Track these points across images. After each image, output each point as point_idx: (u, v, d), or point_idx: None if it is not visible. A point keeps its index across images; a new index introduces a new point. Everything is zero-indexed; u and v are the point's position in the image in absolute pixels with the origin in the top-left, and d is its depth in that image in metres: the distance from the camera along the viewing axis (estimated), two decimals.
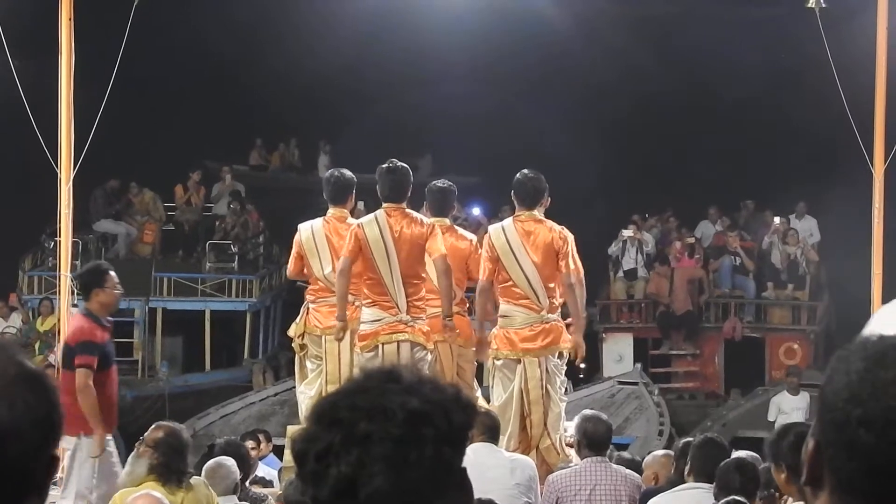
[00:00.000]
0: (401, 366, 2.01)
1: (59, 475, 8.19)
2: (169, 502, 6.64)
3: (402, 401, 1.93)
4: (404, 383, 1.96)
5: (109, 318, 9.50)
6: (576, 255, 10.10)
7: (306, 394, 10.49)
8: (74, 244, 15.73)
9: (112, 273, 9.44)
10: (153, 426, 7.25)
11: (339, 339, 10.08)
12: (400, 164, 10.09)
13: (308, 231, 10.49)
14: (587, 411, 8.40)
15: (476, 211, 25.61)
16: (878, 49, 12.88)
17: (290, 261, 10.77)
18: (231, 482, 7.76)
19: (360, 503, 1.89)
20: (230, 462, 7.99)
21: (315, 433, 1.95)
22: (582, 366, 10.72)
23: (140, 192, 26.56)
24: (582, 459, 8.18)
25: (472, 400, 2.03)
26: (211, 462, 7.99)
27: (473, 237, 10.90)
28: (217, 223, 26.87)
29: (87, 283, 9.40)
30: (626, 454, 11.10)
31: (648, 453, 10.90)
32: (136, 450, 7.12)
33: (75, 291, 14.15)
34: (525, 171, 10.22)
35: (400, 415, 1.92)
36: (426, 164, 28.90)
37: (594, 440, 8.04)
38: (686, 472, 7.82)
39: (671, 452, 9.12)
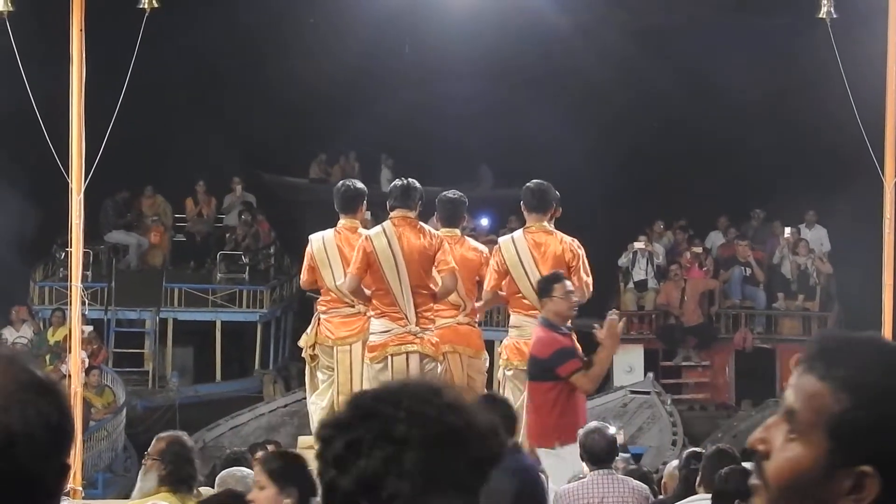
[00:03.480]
0: (442, 383, 2.03)
1: None
2: None
3: (446, 416, 1.94)
4: (450, 401, 1.97)
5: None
6: (587, 268, 10.09)
7: (317, 405, 10.48)
8: (86, 255, 15.78)
9: (564, 283, 9.32)
10: (155, 438, 7.23)
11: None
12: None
13: (319, 242, 10.48)
14: (591, 423, 8.37)
15: (485, 222, 25.62)
16: (889, 58, 12.86)
17: (303, 272, 10.73)
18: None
19: (380, 499, 1.91)
20: (241, 472, 8.00)
21: (348, 421, 1.97)
22: None
23: (154, 195, 26.62)
24: (589, 472, 8.15)
25: (504, 436, 2.04)
26: (223, 472, 8.01)
27: (485, 248, 10.88)
28: (228, 234, 26.92)
29: (539, 292, 9.31)
30: (632, 467, 11.08)
31: (663, 464, 10.88)
32: (143, 466, 7.12)
33: (86, 301, 14.19)
34: (534, 180, 10.23)
35: (441, 427, 1.93)
36: (486, 175, 29.05)
37: (594, 454, 8.00)
38: (697, 483, 7.81)
39: None
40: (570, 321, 9.34)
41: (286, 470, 5.72)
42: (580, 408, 9.34)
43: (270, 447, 12.58)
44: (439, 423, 1.94)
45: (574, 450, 8.45)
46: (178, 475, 6.89)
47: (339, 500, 1.95)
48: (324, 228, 10.61)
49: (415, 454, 1.92)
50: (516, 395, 9.98)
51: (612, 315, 9.64)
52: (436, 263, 9.79)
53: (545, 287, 9.21)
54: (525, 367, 9.93)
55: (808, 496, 1.85)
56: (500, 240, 10.55)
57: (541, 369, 9.08)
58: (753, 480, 1.92)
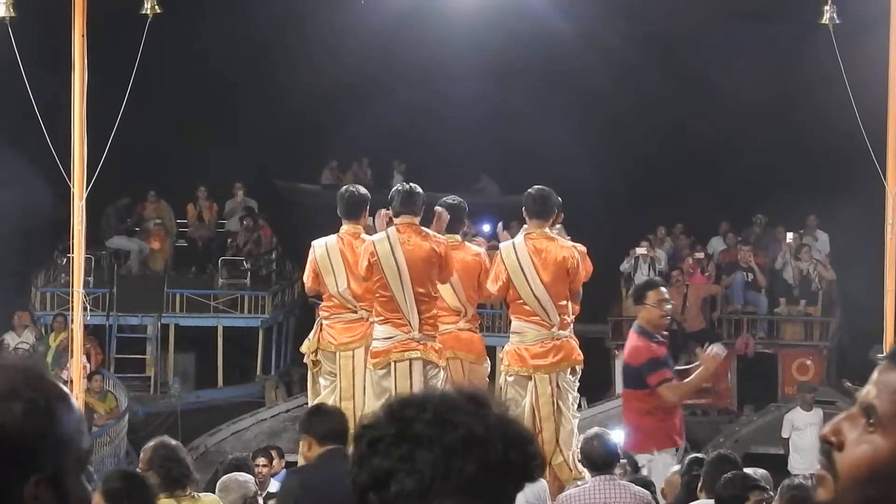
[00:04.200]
0: (493, 396, 2.05)
1: None
2: None
3: (468, 422, 1.96)
4: (483, 410, 1.99)
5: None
6: (588, 263, 10.05)
7: None
8: (87, 260, 15.76)
9: (658, 290, 9.26)
10: (141, 452, 7.28)
11: None
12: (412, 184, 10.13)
13: (322, 248, 10.45)
14: (592, 430, 8.37)
15: (486, 227, 25.60)
16: (892, 64, 12.86)
17: (307, 278, 10.69)
18: (240, 496, 7.77)
19: (389, 496, 1.92)
20: (244, 476, 8.02)
21: (377, 421, 2.00)
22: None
23: (157, 200, 26.61)
24: (591, 478, 8.15)
25: (540, 453, 2.05)
26: (225, 477, 8.03)
27: (482, 250, 10.85)
28: (229, 240, 26.92)
29: (634, 299, 9.37)
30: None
31: None
32: None
33: (88, 307, 14.20)
34: (536, 186, 10.20)
35: (459, 431, 1.94)
36: (490, 183, 29.08)
37: (593, 460, 8.00)
38: (699, 489, 7.81)
39: None
40: (664, 329, 9.42)
41: (123, 491, 5.69)
42: (677, 414, 9.39)
43: (273, 452, 12.58)
44: (459, 427, 1.96)
45: (669, 456, 8.50)
46: (170, 477, 6.92)
47: (356, 495, 1.98)
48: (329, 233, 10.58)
49: (428, 454, 1.94)
50: (517, 400, 9.97)
51: (720, 350, 9.76)
52: (440, 274, 9.78)
53: (639, 294, 9.27)
54: (526, 374, 9.93)
55: (881, 490, 1.85)
56: (501, 245, 10.51)
57: (633, 377, 9.16)
58: (820, 472, 1.92)
